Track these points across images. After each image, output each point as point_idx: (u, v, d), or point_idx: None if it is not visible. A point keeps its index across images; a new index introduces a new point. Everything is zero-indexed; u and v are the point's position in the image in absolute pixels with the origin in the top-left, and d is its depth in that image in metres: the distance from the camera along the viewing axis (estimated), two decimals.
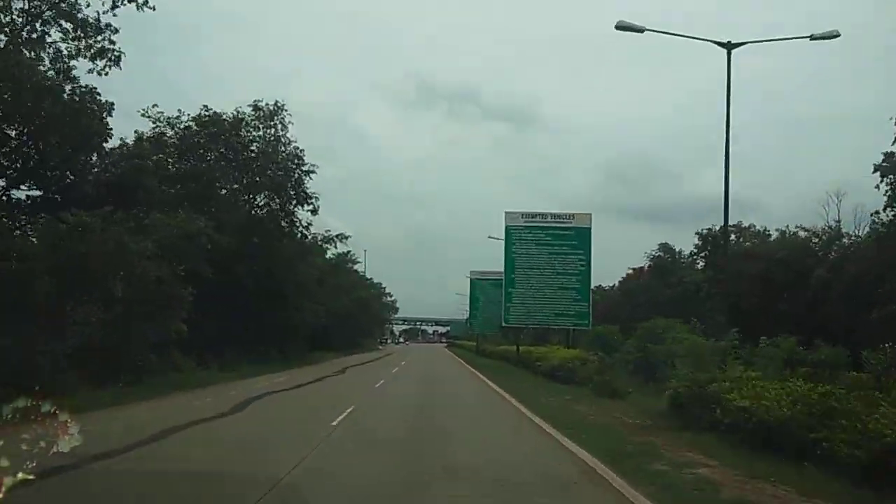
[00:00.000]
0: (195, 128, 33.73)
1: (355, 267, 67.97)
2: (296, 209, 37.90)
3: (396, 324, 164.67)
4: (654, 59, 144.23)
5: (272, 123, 37.44)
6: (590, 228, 35.21)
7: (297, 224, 38.36)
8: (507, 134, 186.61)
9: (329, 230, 41.65)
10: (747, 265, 47.06)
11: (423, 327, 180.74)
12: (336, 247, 42.13)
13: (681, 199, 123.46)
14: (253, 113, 36.98)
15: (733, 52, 16.81)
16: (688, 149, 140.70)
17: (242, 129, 35.70)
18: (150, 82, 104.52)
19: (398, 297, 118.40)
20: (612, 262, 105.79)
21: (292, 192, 37.12)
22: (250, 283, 32.57)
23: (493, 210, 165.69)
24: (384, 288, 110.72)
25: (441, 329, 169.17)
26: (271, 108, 37.37)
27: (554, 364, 27.34)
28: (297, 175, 37.71)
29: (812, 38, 16.92)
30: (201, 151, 33.95)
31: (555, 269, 34.24)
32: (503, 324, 36.15)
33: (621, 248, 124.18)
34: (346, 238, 42.15)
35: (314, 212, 39.01)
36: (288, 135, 37.75)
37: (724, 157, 16.72)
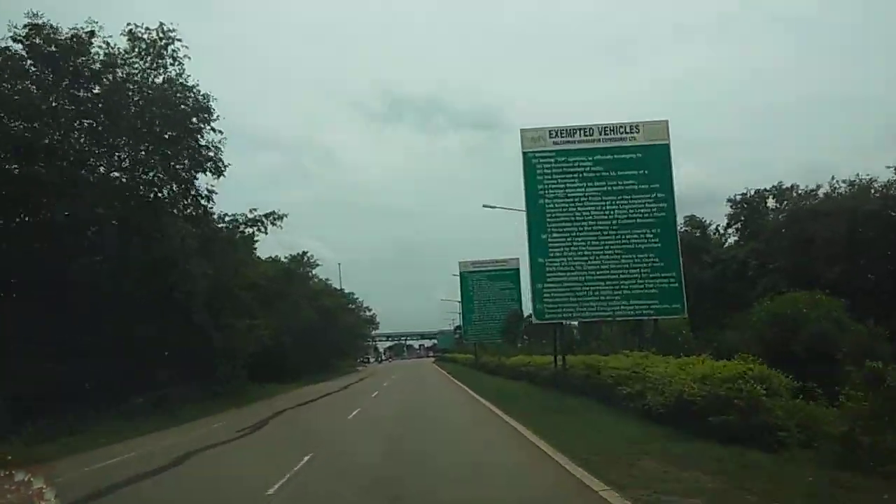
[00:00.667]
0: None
1: (315, 272, 55.30)
2: (194, 177, 25.58)
3: (380, 340, 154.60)
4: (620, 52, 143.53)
5: (156, 59, 25.35)
6: (668, 145, 21.40)
7: (194, 196, 25.96)
8: (478, 140, 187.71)
9: (255, 209, 29.28)
10: (821, 226, 35.78)
11: (408, 342, 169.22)
12: (265, 231, 29.72)
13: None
14: (129, 45, 24.91)
15: None
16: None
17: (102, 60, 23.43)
18: None
19: (381, 314, 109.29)
20: None
21: (185, 153, 24.82)
22: (105, 288, 20.12)
23: (470, 219, 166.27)
24: (361, 301, 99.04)
25: (427, 342, 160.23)
26: (155, 37, 25.25)
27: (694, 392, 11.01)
28: (193, 128, 25.51)
29: None
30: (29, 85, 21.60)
31: (615, 221, 20.95)
32: (535, 319, 21.15)
33: None
34: (280, 219, 29.63)
35: (217, 174, 26.68)
36: (182, 75, 25.67)
37: None
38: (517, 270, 45.43)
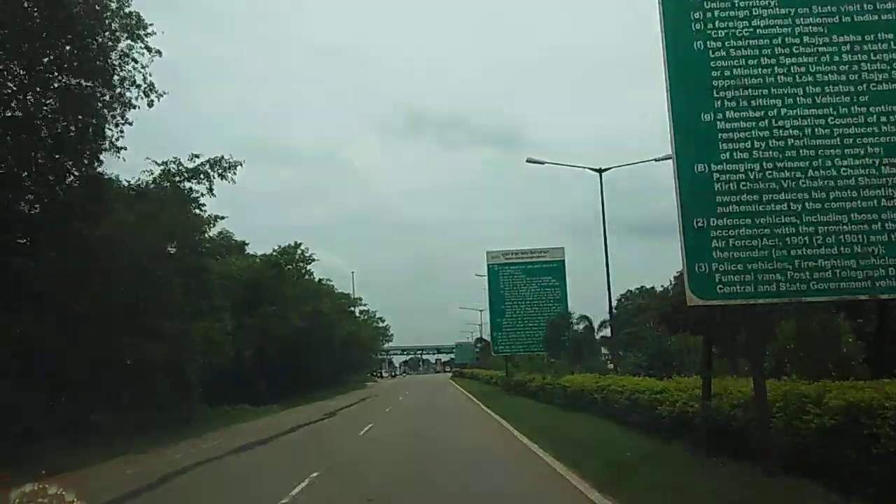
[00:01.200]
0: None
1: (310, 267, 45.37)
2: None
3: (394, 354, 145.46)
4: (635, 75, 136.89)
5: None
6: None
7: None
8: (496, 157, 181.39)
9: (198, 154, 20.01)
10: None
11: (424, 356, 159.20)
12: (211, 186, 20.33)
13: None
14: None
15: None
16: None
17: None
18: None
19: (397, 330, 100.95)
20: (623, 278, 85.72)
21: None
22: None
23: (488, 234, 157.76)
24: (373, 311, 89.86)
25: (444, 357, 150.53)
26: None
27: None
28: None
29: None
30: None
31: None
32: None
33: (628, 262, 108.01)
34: (232, 169, 20.35)
35: (150, 103, 17.55)
36: None
37: None
38: (562, 263, 35.58)
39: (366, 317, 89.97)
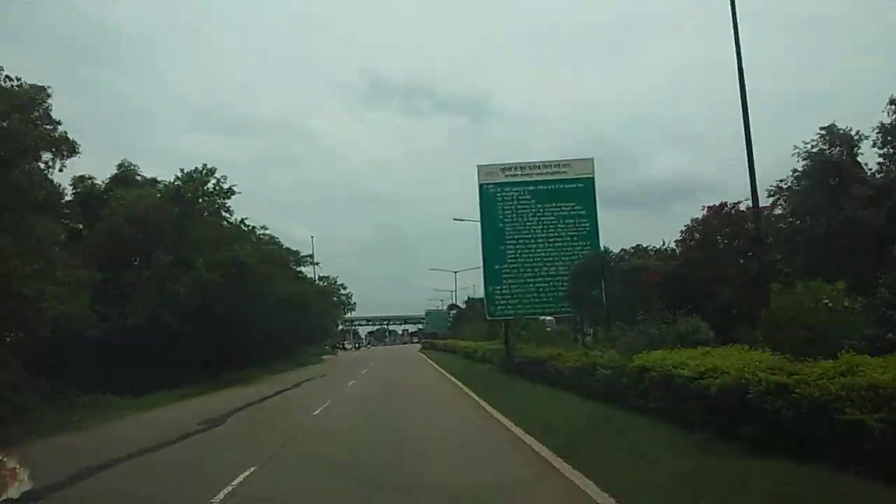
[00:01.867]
0: None
1: (228, 203, 33.23)
2: None
3: (360, 324, 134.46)
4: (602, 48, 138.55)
5: None
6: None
7: None
8: (463, 126, 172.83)
9: None
10: None
11: (391, 327, 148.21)
12: None
13: (644, 182, 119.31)
14: None
15: None
16: (645, 133, 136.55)
17: None
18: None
19: (363, 301, 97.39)
20: None
21: None
22: None
23: (453, 203, 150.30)
24: (334, 278, 78.85)
25: (412, 328, 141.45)
26: None
27: None
28: None
29: None
30: None
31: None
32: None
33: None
34: None
35: None
36: None
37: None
38: (591, 182, 24.61)
39: (324, 283, 78.82)
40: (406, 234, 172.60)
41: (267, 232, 40.49)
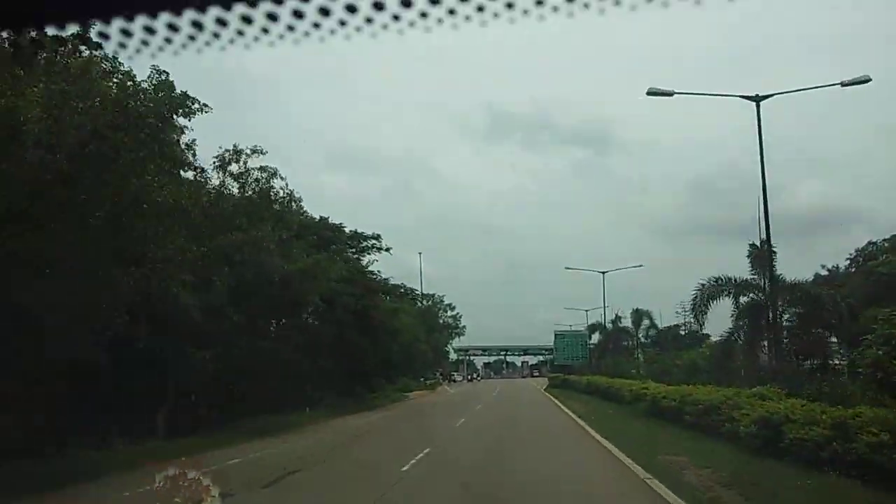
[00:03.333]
0: None
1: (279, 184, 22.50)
2: None
3: (475, 354, 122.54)
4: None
5: None
6: None
7: None
8: (585, 159, 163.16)
9: None
10: None
11: (508, 357, 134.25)
12: None
13: (776, 212, 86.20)
14: None
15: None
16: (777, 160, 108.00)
17: None
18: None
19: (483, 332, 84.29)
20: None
21: None
22: None
23: (578, 237, 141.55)
24: (441, 297, 67.88)
25: (531, 359, 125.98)
26: None
27: None
28: None
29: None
30: None
31: None
32: None
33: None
34: None
35: None
36: None
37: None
38: None
39: (429, 302, 67.67)
40: (526, 267, 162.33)
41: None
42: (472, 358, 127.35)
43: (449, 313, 70.44)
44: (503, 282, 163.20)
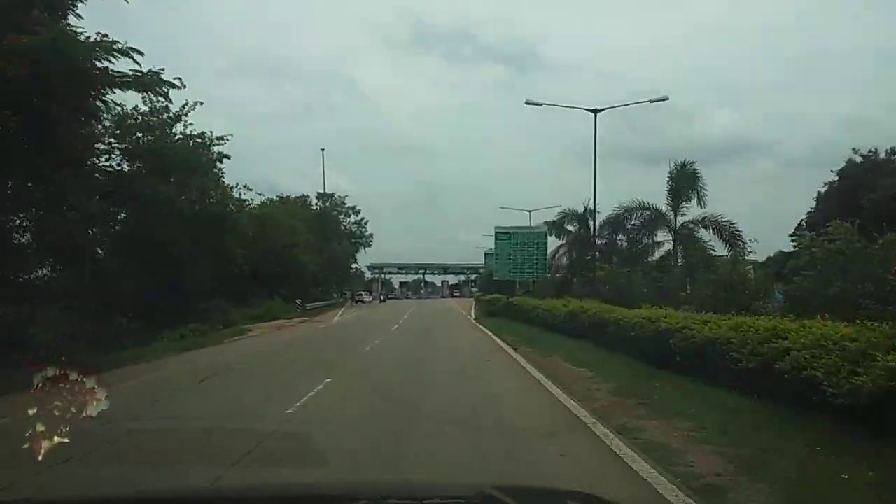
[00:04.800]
0: None
1: None
2: None
3: (391, 273, 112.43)
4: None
5: None
6: None
7: None
8: (508, 77, 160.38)
9: None
10: None
11: (427, 277, 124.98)
12: None
13: (694, 140, 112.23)
14: None
15: None
16: (699, 88, 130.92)
17: None
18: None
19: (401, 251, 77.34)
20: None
21: None
22: None
23: (497, 156, 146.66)
24: (341, 199, 56.53)
25: (452, 278, 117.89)
26: None
27: None
28: None
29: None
30: None
31: None
32: None
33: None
34: None
35: None
36: None
37: None
38: None
39: (327, 203, 56.20)
40: (447, 189, 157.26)
41: None
42: (388, 276, 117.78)
43: (352, 218, 59.15)
44: (423, 201, 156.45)
